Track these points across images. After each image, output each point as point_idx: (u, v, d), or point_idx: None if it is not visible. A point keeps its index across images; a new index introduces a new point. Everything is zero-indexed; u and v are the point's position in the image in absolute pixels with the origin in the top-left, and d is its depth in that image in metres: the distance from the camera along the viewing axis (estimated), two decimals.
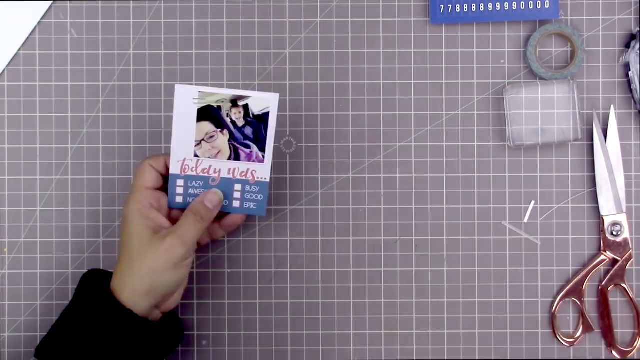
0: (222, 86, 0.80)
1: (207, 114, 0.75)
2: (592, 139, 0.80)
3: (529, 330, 0.80)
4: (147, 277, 0.70)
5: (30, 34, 0.80)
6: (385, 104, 0.80)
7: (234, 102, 0.75)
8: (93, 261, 0.80)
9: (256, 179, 0.76)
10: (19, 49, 0.80)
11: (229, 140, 0.76)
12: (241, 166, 0.76)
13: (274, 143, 0.77)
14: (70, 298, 0.80)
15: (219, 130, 0.75)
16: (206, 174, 0.76)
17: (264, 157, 0.76)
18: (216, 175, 0.76)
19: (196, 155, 0.75)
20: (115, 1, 0.81)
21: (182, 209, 0.75)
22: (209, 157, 0.76)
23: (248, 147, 0.76)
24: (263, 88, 0.80)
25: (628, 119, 0.80)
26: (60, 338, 0.70)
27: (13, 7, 0.80)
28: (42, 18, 0.80)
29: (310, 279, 0.80)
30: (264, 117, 0.75)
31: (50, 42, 0.80)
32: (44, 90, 0.80)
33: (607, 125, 0.80)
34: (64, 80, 0.80)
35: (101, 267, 0.80)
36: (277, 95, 0.73)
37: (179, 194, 0.76)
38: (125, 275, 0.71)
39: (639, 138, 0.80)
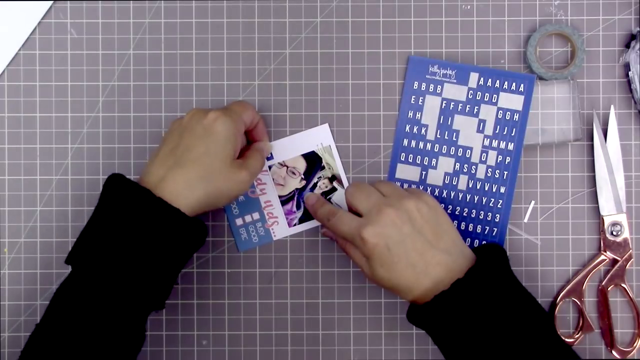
0: (222, 86, 0.80)
1: (311, 159, 0.80)
2: (592, 139, 0.80)
3: None
4: (215, 194, 0.71)
5: (30, 34, 0.80)
6: (385, 104, 0.80)
7: (333, 177, 0.79)
8: None
9: (269, 228, 0.80)
10: (19, 49, 0.80)
11: (296, 188, 0.79)
12: (275, 211, 0.79)
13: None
14: None
15: (302, 177, 0.79)
16: (257, 184, 0.80)
17: (290, 226, 0.80)
18: (260, 193, 0.80)
19: (268, 168, 0.80)
20: (115, 1, 0.81)
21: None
22: (272, 180, 0.80)
23: (293, 212, 0.80)
24: (263, 88, 0.80)
25: (628, 119, 0.80)
26: (95, 240, 0.69)
27: (13, 7, 0.80)
28: (42, 18, 0.80)
29: (310, 279, 0.80)
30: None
31: (50, 42, 0.80)
32: (44, 90, 0.80)
33: (607, 125, 0.80)
34: (64, 80, 0.80)
35: None
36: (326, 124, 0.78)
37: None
38: (190, 187, 0.70)
39: (639, 138, 0.80)
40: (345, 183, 0.80)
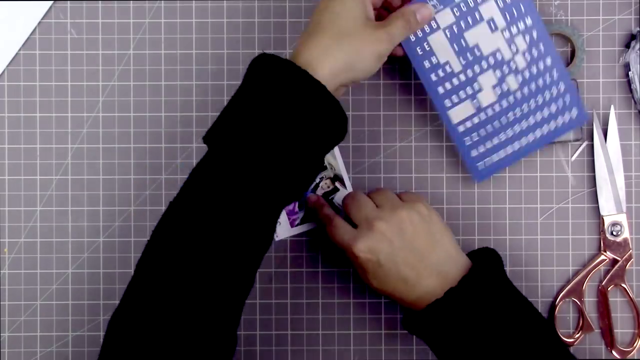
0: (222, 86, 0.80)
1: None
2: (592, 139, 0.80)
3: None
4: (352, 55, 0.68)
5: (30, 34, 0.80)
6: (385, 104, 0.80)
7: (335, 178, 0.80)
8: (93, 261, 0.80)
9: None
10: (19, 49, 0.80)
11: None
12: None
13: None
14: (70, 298, 0.80)
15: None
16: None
17: (292, 226, 0.80)
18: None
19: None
20: (115, 1, 0.81)
21: None
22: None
23: (296, 212, 0.80)
24: None
25: (628, 119, 0.80)
26: (237, 119, 0.65)
27: (13, 7, 0.80)
28: (42, 18, 0.80)
29: (310, 279, 0.80)
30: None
31: (50, 42, 0.80)
32: (44, 90, 0.80)
33: (607, 125, 0.80)
34: (64, 80, 0.80)
35: (101, 268, 0.80)
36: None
37: None
38: (325, 51, 0.67)
39: (639, 138, 0.80)
40: (348, 184, 0.80)
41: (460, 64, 0.76)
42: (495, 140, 0.77)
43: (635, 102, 0.79)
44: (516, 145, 0.77)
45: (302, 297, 0.80)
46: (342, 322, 0.80)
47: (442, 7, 0.75)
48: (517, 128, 0.77)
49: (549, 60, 0.76)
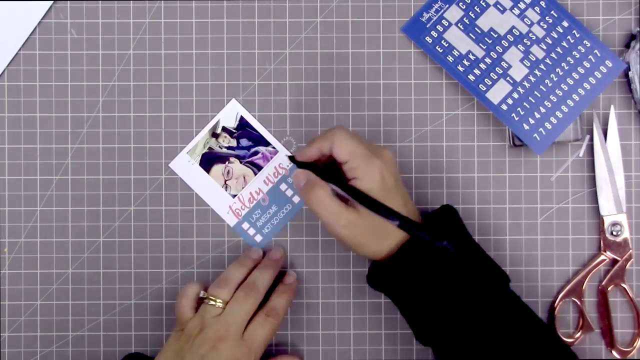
0: (222, 86, 0.80)
1: (208, 160, 0.80)
2: (592, 139, 0.80)
3: None
4: None
5: (30, 34, 0.80)
6: (385, 104, 0.80)
7: (213, 133, 0.79)
8: (93, 261, 0.80)
9: (287, 168, 0.80)
10: (19, 49, 0.80)
11: (241, 163, 0.80)
12: (268, 170, 0.80)
13: (273, 137, 0.79)
14: (70, 298, 0.80)
15: (227, 163, 0.79)
16: (255, 201, 0.80)
17: (273, 147, 0.79)
18: (261, 195, 0.80)
19: (234, 196, 0.79)
20: (115, 1, 0.80)
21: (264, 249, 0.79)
22: (242, 188, 0.80)
23: (256, 152, 0.80)
24: (263, 88, 0.80)
25: (628, 119, 0.80)
26: None
27: (13, 7, 0.80)
28: (42, 18, 0.80)
29: (310, 279, 0.80)
30: (242, 121, 0.79)
31: (50, 42, 0.80)
32: (44, 90, 0.80)
33: (607, 125, 0.80)
34: (64, 80, 0.80)
35: (101, 268, 0.80)
36: (232, 99, 0.79)
37: (255, 234, 0.80)
38: None
39: (639, 138, 0.80)
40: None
41: (482, 49, 0.78)
42: (542, 109, 0.77)
43: (635, 102, 0.79)
44: (564, 109, 0.77)
45: (302, 298, 0.80)
46: (342, 322, 0.80)
47: (447, 5, 0.77)
48: (558, 92, 0.77)
49: (565, 23, 0.77)
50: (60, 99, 0.80)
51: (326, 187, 0.69)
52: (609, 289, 0.79)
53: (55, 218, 0.80)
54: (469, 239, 0.73)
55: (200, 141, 0.80)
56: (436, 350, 0.72)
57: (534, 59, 0.77)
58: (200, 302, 0.75)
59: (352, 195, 0.68)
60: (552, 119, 0.77)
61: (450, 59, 0.78)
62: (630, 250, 0.79)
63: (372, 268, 0.73)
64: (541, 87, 0.77)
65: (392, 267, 0.71)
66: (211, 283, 0.76)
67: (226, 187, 0.80)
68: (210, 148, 0.80)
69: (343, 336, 0.80)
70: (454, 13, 0.78)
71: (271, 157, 0.80)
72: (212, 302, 0.74)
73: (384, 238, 0.71)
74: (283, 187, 0.80)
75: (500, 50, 0.78)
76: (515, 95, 0.77)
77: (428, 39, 0.79)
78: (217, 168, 0.80)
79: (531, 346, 0.69)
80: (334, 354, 0.80)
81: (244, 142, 0.80)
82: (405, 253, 0.70)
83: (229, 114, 0.80)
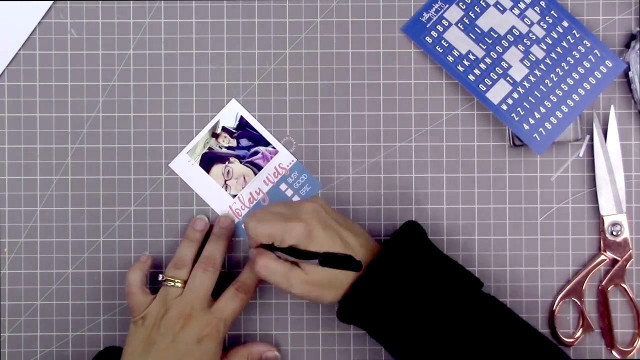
0: (222, 86, 0.80)
1: (208, 160, 0.80)
2: (592, 139, 0.80)
3: None
4: None
5: (31, 34, 0.80)
6: (385, 104, 0.80)
7: (213, 133, 0.79)
8: (93, 261, 0.80)
9: (287, 168, 0.80)
10: (19, 49, 0.80)
11: (241, 163, 0.80)
12: (268, 169, 0.80)
13: (273, 137, 0.79)
14: (70, 298, 0.80)
15: (227, 163, 0.79)
16: (255, 201, 0.80)
17: (274, 147, 0.79)
18: (261, 195, 0.80)
19: (234, 196, 0.79)
20: (115, 1, 0.80)
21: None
22: (242, 188, 0.80)
23: (256, 152, 0.80)
24: (263, 88, 0.80)
25: (628, 119, 0.80)
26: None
27: (13, 7, 0.80)
28: (42, 18, 0.80)
29: None
30: (242, 121, 0.79)
31: (50, 42, 0.80)
32: (44, 90, 0.80)
33: (607, 125, 0.80)
34: (64, 80, 0.80)
35: (101, 268, 0.80)
36: (232, 99, 0.79)
37: None
38: None
39: (639, 138, 0.80)
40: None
41: (482, 49, 0.78)
42: (542, 109, 0.77)
43: (635, 102, 0.79)
44: (564, 109, 0.77)
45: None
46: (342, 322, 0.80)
47: (447, 5, 0.77)
48: (558, 92, 0.77)
49: (565, 23, 0.77)
50: (60, 99, 0.80)
51: (269, 254, 0.71)
52: (609, 289, 0.79)
53: (55, 218, 0.80)
54: (435, 251, 0.73)
55: (200, 141, 0.80)
56: None
57: (534, 59, 0.78)
58: (153, 285, 0.77)
59: (286, 252, 0.70)
60: (552, 119, 0.77)
61: (450, 59, 0.78)
62: (630, 250, 0.79)
63: (342, 305, 0.72)
64: (541, 87, 0.77)
65: (357, 301, 0.71)
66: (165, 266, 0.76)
67: (226, 187, 0.80)
68: (210, 148, 0.80)
69: (343, 336, 0.80)
70: (454, 13, 0.78)
71: (271, 157, 0.80)
72: (171, 284, 0.75)
73: (338, 286, 0.71)
74: (283, 187, 0.80)
75: (500, 50, 0.78)
76: (515, 95, 0.77)
77: (428, 39, 0.79)
78: (217, 168, 0.80)
79: (511, 343, 0.69)
80: (334, 353, 0.80)
81: (244, 142, 0.80)
82: (365, 283, 0.70)
83: (229, 114, 0.80)
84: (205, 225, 0.78)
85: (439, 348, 0.69)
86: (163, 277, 0.75)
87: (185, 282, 0.75)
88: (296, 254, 0.70)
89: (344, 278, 0.71)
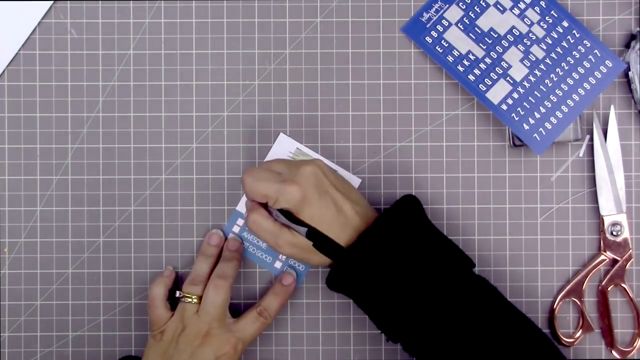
0: (222, 86, 0.80)
1: None
2: (592, 139, 0.80)
3: None
4: None
5: (31, 34, 0.80)
6: (385, 104, 0.80)
7: None
8: (93, 261, 0.80)
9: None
10: (19, 49, 0.80)
11: None
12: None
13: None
14: (70, 298, 0.80)
15: None
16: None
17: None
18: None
19: None
20: (115, 1, 0.81)
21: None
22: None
23: None
24: (263, 88, 0.80)
25: (628, 119, 0.80)
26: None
27: (13, 7, 0.80)
28: (42, 18, 0.80)
29: (311, 279, 0.80)
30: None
31: (50, 42, 0.80)
32: (44, 90, 0.80)
33: (607, 125, 0.80)
34: (64, 80, 0.80)
35: (101, 268, 0.80)
36: (280, 134, 0.79)
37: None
38: None
39: (639, 138, 0.80)
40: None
41: (482, 49, 0.78)
42: (542, 109, 0.77)
43: (635, 102, 0.79)
44: (564, 109, 0.77)
45: (302, 297, 0.80)
46: (342, 322, 0.80)
47: (447, 5, 0.77)
48: (558, 92, 0.77)
49: (565, 23, 0.77)
50: (60, 99, 0.80)
51: (262, 211, 0.72)
52: (609, 289, 0.79)
53: (55, 218, 0.80)
54: (431, 227, 0.73)
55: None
56: (405, 345, 0.72)
57: (534, 59, 0.78)
58: (172, 301, 0.77)
59: (280, 212, 0.71)
60: (552, 119, 0.77)
61: (450, 59, 0.78)
62: (630, 250, 0.79)
63: (331, 272, 0.73)
64: (541, 87, 0.77)
65: (346, 269, 0.71)
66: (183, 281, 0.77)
67: None
68: None
69: (343, 336, 0.80)
70: (454, 13, 0.78)
71: None
72: (188, 300, 0.75)
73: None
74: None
75: (500, 50, 0.78)
76: (515, 95, 0.77)
77: (428, 39, 0.79)
78: None
79: (495, 324, 0.69)
80: (334, 353, 0.80)
81: None
82: (356, 252, 0.70)
83: (280, 149, 0.80)
84: (220, 240, 0.79)
85: (423, 322, 0.69)
86: (180, 294, 0.75)
87: (201, 298, 0.75)
88: (289, 217, 0.71)
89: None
